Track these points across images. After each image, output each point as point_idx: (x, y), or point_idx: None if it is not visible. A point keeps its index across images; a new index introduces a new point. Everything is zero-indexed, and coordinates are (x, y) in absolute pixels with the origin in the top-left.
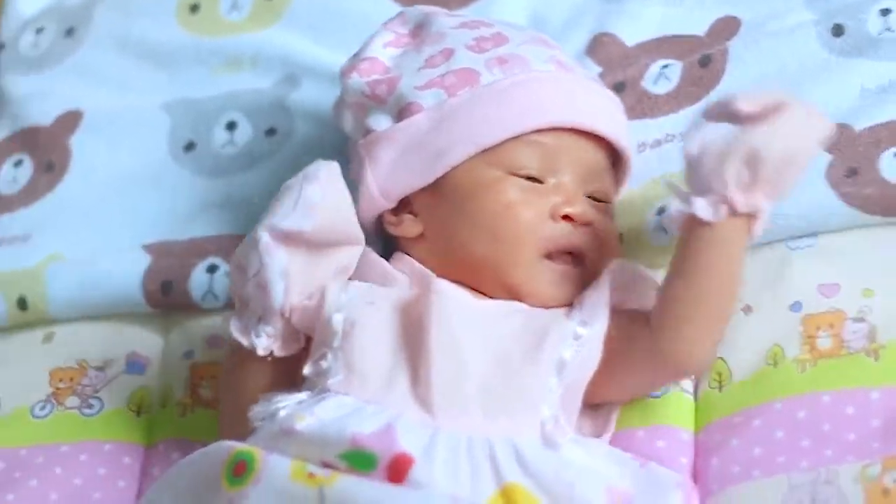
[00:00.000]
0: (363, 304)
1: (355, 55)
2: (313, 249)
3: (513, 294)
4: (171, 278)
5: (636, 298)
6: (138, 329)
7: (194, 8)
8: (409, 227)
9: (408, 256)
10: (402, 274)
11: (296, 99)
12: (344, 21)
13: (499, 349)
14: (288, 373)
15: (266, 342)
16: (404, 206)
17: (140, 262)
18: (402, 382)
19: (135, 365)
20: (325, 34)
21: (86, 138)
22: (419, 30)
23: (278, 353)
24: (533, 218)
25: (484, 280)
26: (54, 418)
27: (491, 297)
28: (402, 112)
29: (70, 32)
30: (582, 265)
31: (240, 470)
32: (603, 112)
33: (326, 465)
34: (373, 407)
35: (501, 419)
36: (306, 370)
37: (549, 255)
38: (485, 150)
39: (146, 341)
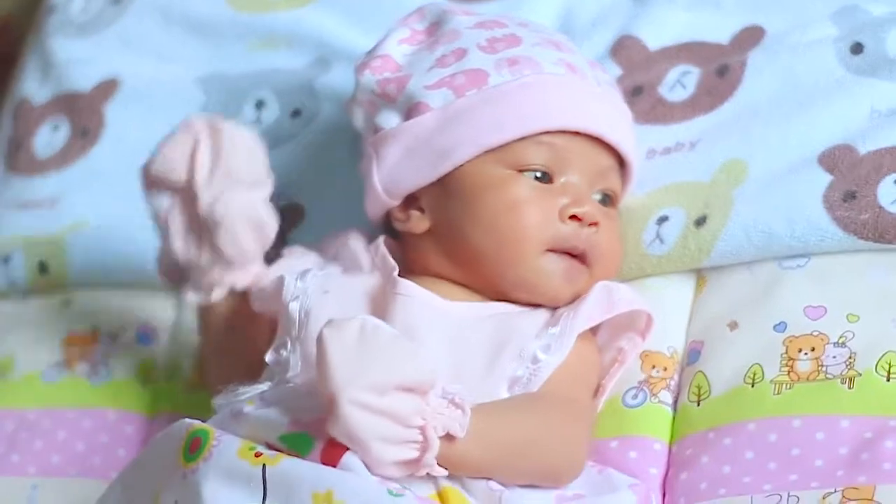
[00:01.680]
0: (319, 292)
1: (370, 52)
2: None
3: (515, 292)
4: None
5: (617, 321)
6: (153, 300)
7: None
8: (416, 223)
9: (382, 246)
10: (369, 260)
11: (324, 82)
12: (377, 5)
13: (458, 356)
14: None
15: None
16: (412, 202)
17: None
18: None
19: (145, 336)
20: (359, 18)
21: (120, 107)
22: (435, 27)
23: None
24: (540, 216)
25: (485, 276)
26: (63, 383)
27: (481, 296)
28: (410, 111)
29: (117, 0)
30: (584, 263)
31: (195, 446)
32: (607, 118)
33: (270, 447)
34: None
35: None
36: (268, 357)
37: (552, 251)
38: (492, 150)
39: (159, 313)
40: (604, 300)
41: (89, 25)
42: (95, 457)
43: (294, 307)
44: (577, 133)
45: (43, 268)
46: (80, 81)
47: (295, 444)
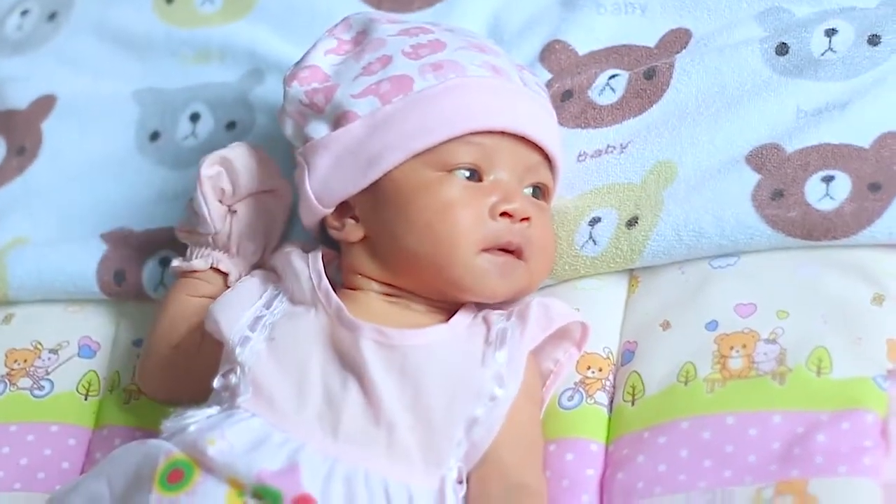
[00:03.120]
0: (266, 339)
1: (297, 63)
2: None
3: (453, 292)
4: (124, 268)
5: (553, 335)
6: (93, 314)
7: None
8: (350, 231)
9: (324, 279)
10: (311, 287)
11: (258, 94)
12: (310, 17)
13: (415, 398)
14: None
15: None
16: (346, 210)
17: (96, 251)
18: (310, 408)
19: (87, 349)
20: (292, 30)
21: (58, 124)
22: (362, 36)
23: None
24: (471, 217)
25: (424, 280)
26: (6, 398)
27: (428, 300)
28: (338, 120)
29: (52, 16)
30: (522, 259)
31: (176, 477)
32: (533, 116)
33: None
34: (279, 435)
35: (402, 464)
36: (216, 383)
37: (487, 250)
38: (421, 153)
39: (99, 327)
40: (542, 318)
41: (25, 43)
42: (40, 471)
43: (240, 352)
44: (503, 133)
45: None
46: (15, 100)
47: (266, 496)
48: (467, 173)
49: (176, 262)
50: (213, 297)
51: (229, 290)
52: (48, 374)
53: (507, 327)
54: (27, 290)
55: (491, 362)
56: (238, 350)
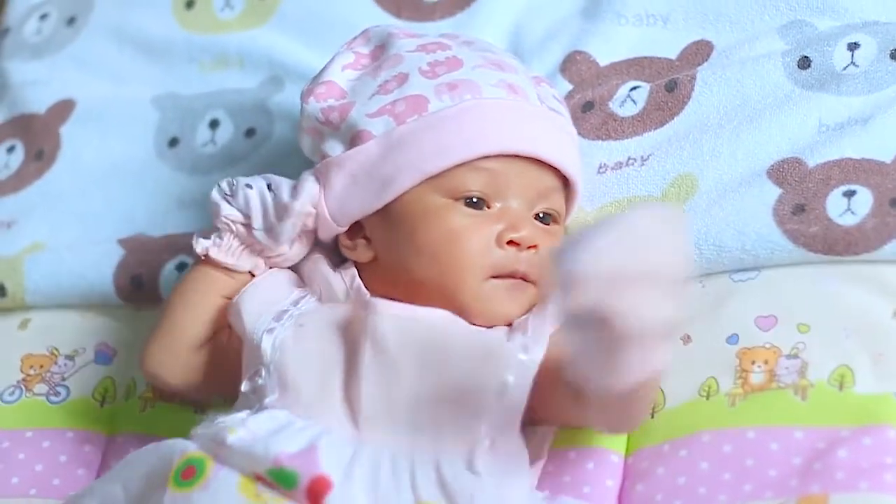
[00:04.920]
0: (294, 326)
1: (314, 78)
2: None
3: (463, 316)
4: (141, 273)
5: None
6: (110, 320)
7: (190, 3)
8: (361, 252)
9: (353, 269)
10: (343, 286)
11: (278, 101)
12: (330, 25)
13: (437, 370)
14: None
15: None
16: (358, 231)
17: (113, 256)
18: (335, 396)
19: (103, 355)
20: (312, 38)
21: (76, 128)
22: (379, 50)
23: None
24: (478, 245)
25: (434, 304)
26: (22, 404)
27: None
28: (353, 139)
29: (71, 21)
30: (529, 283)
31: (189, 473)
32: (548, 138)
33: (258, 478)
34: (302, 422)
35: (429, 438)
36: (244, 387)
37: (495, 276)
38: (432, 177)
39: (116, 333)
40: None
41: (43, 47)
42: (55, 478)
43: (267, 341)
44: (516, 155)
45: (1, 290)
46: (34, 104)
47: (281, 480)
48: (473, 199)
49: (208, 245)
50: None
51: (255, 281)
52: (64, 380)
53: (528, 316)
54: (44, 296)
55: (517, 336)
56: (264, 341)
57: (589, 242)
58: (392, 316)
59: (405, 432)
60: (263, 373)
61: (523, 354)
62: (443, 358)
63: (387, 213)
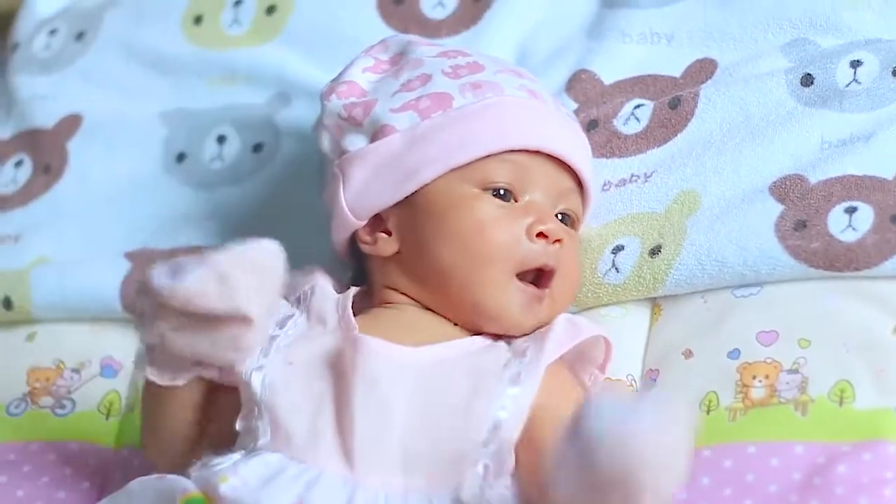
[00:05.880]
0: (283, 364)
1: (335, 79)
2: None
3: (477, 316)
4: None
5: (577, 359)
6: (116, 334)
7: (198, 19)
8: (383, 245)
9: (349, 309)
10: (335, 315)
11: (285, 117)
12: (338, 42)
13: (428, 407)
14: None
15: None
16: (378, 224)
17: (120, 270)
18: (327, 435)
19: (109, 369)
20: (319, 54)
21: (83, 143)
22: (399, 57)
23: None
24: (508, 237)
25: (452, 301)
26: (27, 416)
27: (452, 323)
28: (376, 133)
29: (80, 36)
30: (548, 288)
31: None
32: (568, 140)
33: None
34: (295, 467)
35: (421, 476)
36: (238, 425)
37: (520, 276)
38: (458, 168)
39: (122, 346)
40: (569, 328)
41: (52, 62)
42: (60, 490)
43: (257, 379)
44: (538, 153)
45: (7, 303)
46: (42, 118)
47: None
48: (501, 191)
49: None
50: None
51: None
52: (70, 393)
53: (528, 343)
54: (51, 309)
55: (513, 364)
56: (253, 380)
57: (632, 420)
58: (382, 356)
59: (397, 472)
60: (256, 412)
61: (513, 388)
62: (433, 396)
63: (411, 204)
